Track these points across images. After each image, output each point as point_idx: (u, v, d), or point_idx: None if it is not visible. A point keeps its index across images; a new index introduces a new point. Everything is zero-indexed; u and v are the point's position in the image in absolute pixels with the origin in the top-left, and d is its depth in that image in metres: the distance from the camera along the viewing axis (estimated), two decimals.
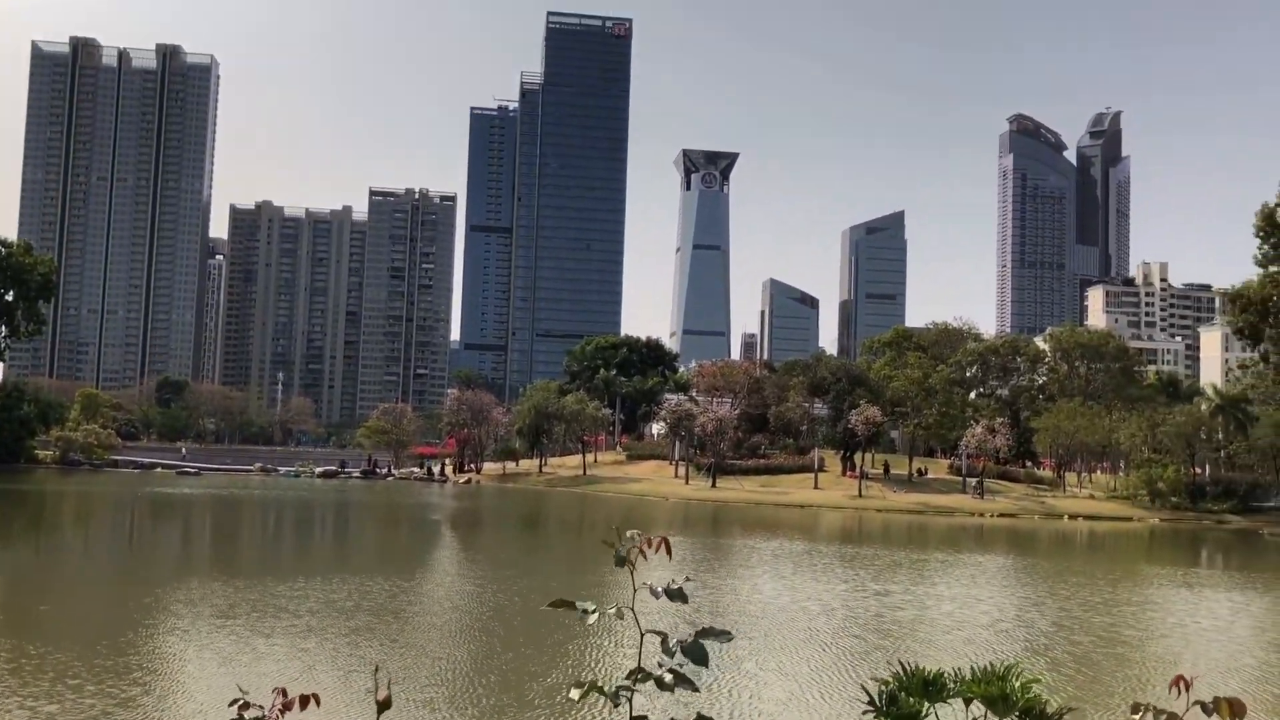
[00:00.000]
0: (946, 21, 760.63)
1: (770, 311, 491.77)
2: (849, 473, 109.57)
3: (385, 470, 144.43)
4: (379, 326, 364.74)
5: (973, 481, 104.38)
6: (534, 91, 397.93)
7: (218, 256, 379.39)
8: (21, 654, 20.80)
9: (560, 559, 48.99)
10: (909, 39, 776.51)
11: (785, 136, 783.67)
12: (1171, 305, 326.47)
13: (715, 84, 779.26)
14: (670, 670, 4.17)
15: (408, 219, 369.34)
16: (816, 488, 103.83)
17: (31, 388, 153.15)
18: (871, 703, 5.89)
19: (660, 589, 4.49)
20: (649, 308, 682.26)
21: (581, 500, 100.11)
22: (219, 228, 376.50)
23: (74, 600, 30.95)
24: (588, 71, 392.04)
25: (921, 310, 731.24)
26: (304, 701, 4.49)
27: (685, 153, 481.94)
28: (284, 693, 4.49)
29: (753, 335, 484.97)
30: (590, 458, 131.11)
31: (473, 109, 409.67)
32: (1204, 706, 4.16)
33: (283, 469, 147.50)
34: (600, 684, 4.27)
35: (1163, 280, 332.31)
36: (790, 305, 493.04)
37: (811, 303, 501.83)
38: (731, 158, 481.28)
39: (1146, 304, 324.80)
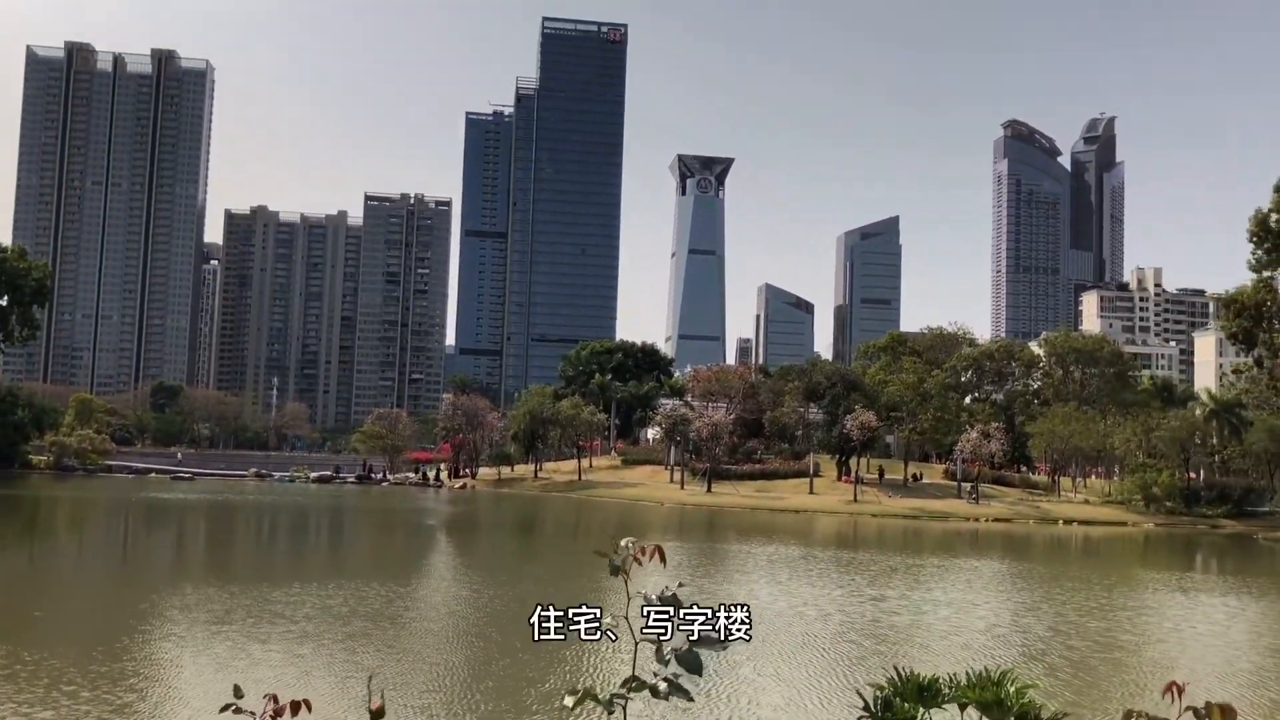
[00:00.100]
0: (941, 28, 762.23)
1: (765, 316, 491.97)
2: (844, 478, 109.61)
3: (380, 475, 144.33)
4: (374, 331, 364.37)
5: (968, 486, 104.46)
6: (529, 97, 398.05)
7: (213, 261, 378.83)
8: (16, 660, 20.75)
9: (555, 564, 48.95)
10: (904, 46, 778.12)
11: (780, 142, 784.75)
12: (1166, 310, 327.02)
13: (710, 89, 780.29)
14: (665, 679, 4.18)
15: (403, 224, 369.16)
16: (812, 493, 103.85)
17: (26, 393, 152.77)
18: (867, 708, 5.91)
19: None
20: (644, 313, 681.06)
21: (577, 505, 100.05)
22: (214, 233, 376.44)
23: (69, 606, 30.88)
24: (583, 77, 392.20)
25: (916, 315, 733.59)
26: (295, 707, 4.49)
27: (680, 158, 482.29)
28: (275, 699, 4.49)
29: (748, 340, 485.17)
30: (585, 463, 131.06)
31: (468, 114, 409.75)
32: (1196, 712, 4.17)
33: (277, 474, 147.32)
34: (595, 691, 4.27)
35: (1157, 285, 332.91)
36: (785, 310, 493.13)
37: (807, 308, 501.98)
38: (726, 163, 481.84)
39: (1141, 309, 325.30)
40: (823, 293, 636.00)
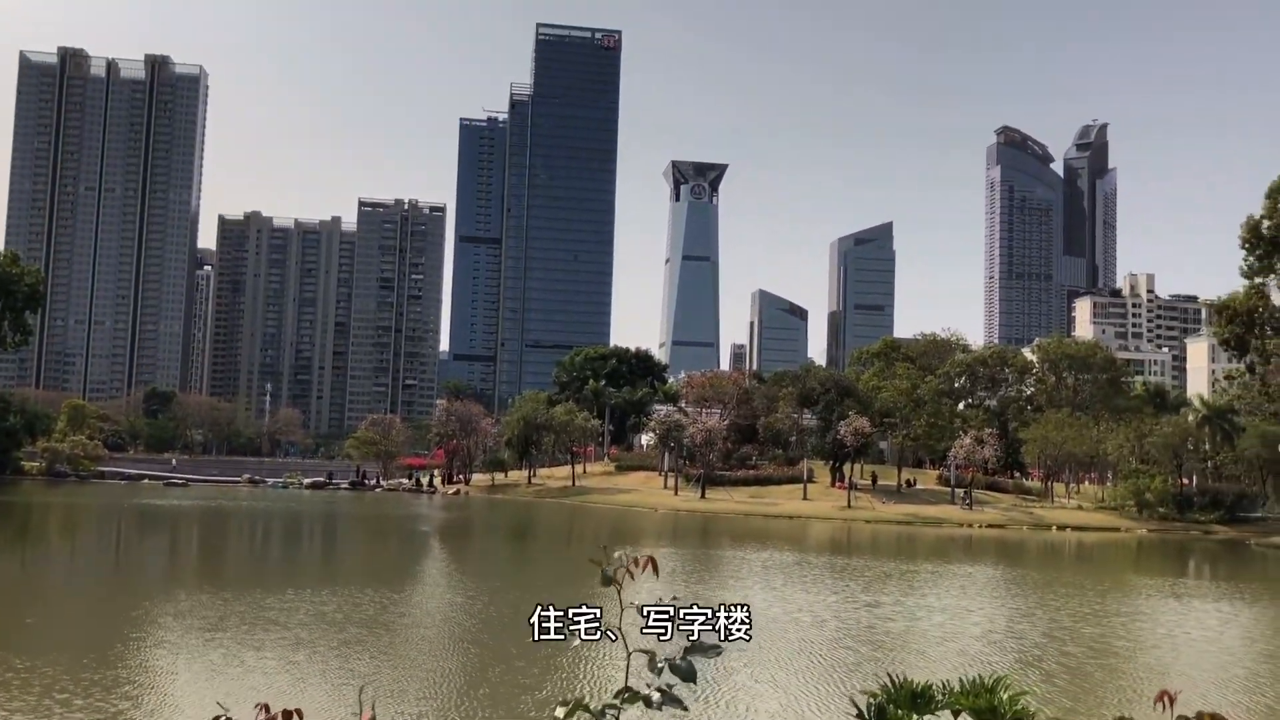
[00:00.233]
0: (934, 34, 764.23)
1: (759, 322, 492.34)
2: (838, 484, 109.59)
3: (374, 481, 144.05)
4: (368, 337, 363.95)
5: (961, 492, 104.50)
6: (523, 103, 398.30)
7: (206, 267, 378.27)
8: (8, 668, 20.66)
9: (549, 571, 48.89)
10: (897, 52, 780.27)
11: (774, 148, 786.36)
12: (1158, 316, 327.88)
13: (705, 96, 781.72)
14: (659, 689, 4.18)
15: (397, 230, 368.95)
16: (805, 499, 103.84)
17: (18, 398, 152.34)
18: (860, 716, 5.91)
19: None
20: (638, 319, 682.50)
21: (571, 511, 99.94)
22: (207, 238, 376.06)
23: (61, 613, 30.78)
24: (577, 83, 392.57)
25: (910, 321, 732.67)
26: (287, 716, 4.48)
27: (674, 164, 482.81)
28: (266, 708, 4.48)
29: (742, 346, 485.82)
30: (579, 469, 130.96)
31: (462, 120, 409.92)
32: None
33: (270, 480, 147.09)
34: (587, 702, 4.27)
35: (1149, 291, 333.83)
36: (779, 316, 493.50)
37: (800, 313, 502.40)
38: (720, 169, 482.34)
39: (1133, 315, 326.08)
40: (816, 299, 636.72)
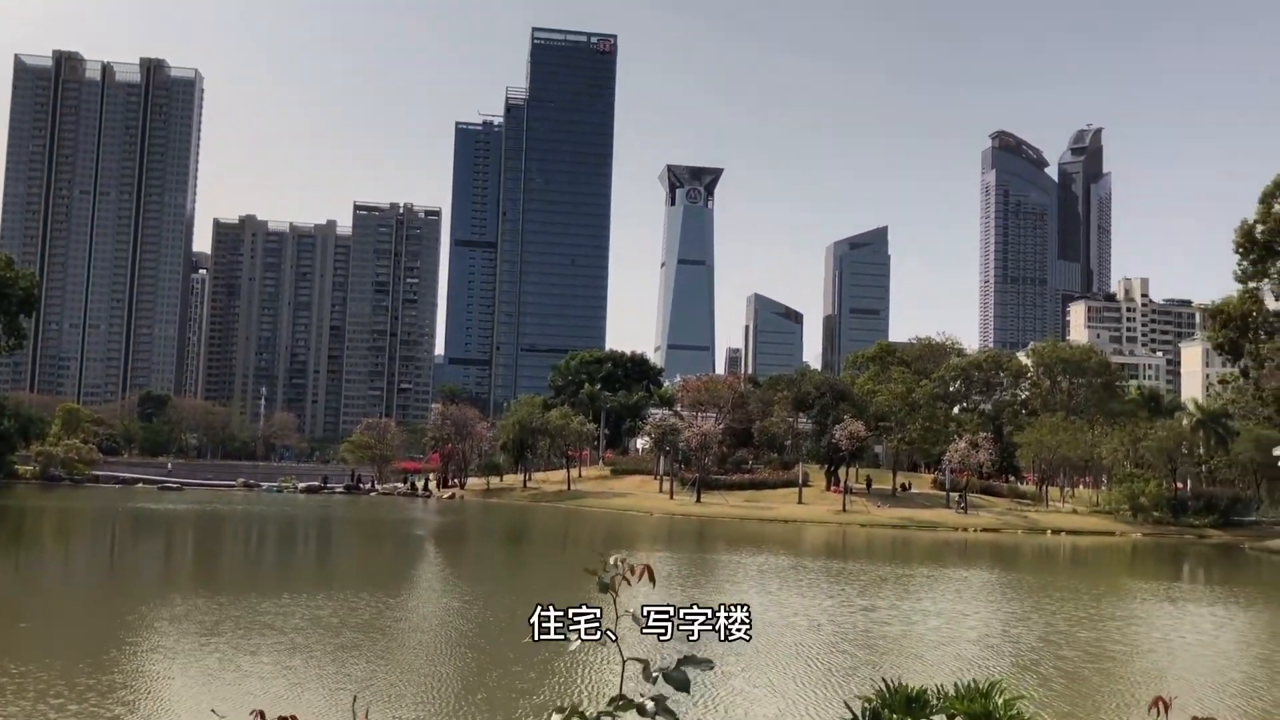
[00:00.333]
0: (929, 39, 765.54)
1: (754, 326, 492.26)
2: (833, 488, 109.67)
3: (369, 485, 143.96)
4: (363, 341, 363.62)
5: (956, 496, 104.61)
6: (519, 107, 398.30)
7: (201, 271, 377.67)
8: (2, 672, 20.60)
9: (544, 575, 48.84)
10: (893, 57, 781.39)
11: (769, 152, 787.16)
12: (1152, 321, 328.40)
13: (700, 100, 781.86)
14: (652, 698, 4.19)
15: (392, 233, 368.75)
16: (801, 503, 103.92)
17: (12, 402, 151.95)
18: None
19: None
20: (634, 322, 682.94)
21: (566, 516, 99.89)
22: (202, 242, 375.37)
23: (55, 618, 30.69)
24: (572, 87, 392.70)
25: (905, 325, 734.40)
26: None
27: (670, 168, 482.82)
28: (262, 715, 4.49)
29: (737, 350, 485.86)
30: (575, 473, 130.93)
31: (458, 124, 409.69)
32: None
33: (265, 484, 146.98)
34: (583, 709, 4.28)
35: (1144, 296, 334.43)
36: (774, 320, 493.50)
37: (795, 317, 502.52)
38: (716, 173, 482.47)
39: (1128, 319, 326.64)
40: (812, 303, 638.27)
